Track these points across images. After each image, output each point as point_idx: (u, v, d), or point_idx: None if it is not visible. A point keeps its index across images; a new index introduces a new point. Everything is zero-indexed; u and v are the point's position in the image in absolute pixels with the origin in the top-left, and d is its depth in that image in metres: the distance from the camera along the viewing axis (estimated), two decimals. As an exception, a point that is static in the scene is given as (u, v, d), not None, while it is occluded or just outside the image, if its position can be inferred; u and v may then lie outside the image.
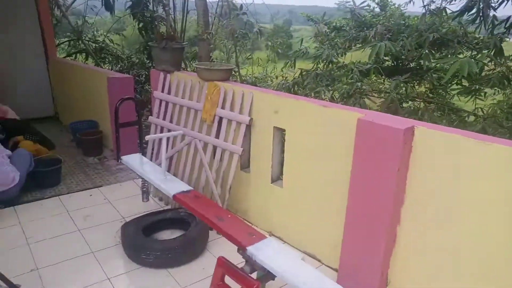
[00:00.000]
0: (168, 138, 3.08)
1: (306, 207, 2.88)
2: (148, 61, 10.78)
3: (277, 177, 3.17)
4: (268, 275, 1.92)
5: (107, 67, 10.64)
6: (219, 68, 3.43)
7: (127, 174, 4.30)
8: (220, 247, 2.96)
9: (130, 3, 10.44)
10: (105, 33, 11.97)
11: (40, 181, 3.89)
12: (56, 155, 4.24)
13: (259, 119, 3.06)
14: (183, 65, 4.91)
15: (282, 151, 3.05)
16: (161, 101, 3.76)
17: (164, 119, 3.73)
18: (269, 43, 7.82)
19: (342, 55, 5.09)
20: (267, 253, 1.94)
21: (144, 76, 10.51)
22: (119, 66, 10.76)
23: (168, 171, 3.08)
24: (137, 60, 11.23)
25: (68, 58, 10.55)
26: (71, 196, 3.72)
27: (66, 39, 11.00)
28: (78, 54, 10.77)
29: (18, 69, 5.97)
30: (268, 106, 2.96)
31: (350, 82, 4.42)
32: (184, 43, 3.91)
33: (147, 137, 2.80)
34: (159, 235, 3.08)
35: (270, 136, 3.01)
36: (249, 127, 3.12)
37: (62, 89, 6.03)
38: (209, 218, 2.27)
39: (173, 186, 2.76)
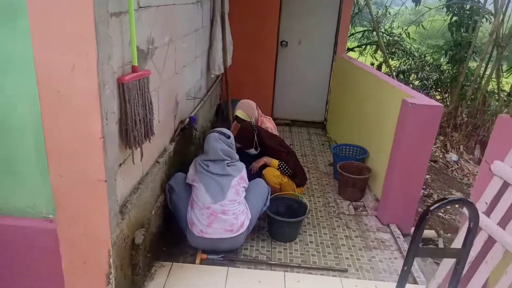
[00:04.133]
0: None
1: None
2: (450, 65, 8.54)
3: None
4: None
5: (394, 64, 9.13)
6: None
7: (390, 254, 2.67)
8: None
9: (448, -8, 8.29)
10: (403, 26, 10.48)
11: (272, 229, 2.81)
12: (303, 197, 3.05)
13: None
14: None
15: None
16: (505, 183, 1.82)
17: (502, 224, 1.80)
18: None
19: None
20: None
21: (432, 81, 8.48)
22: (407, 65, 9.07)
23: None
24: (431, 60, 9.20)
25: (356, 49, 9.68)
26: (300, 276, 2.44)
27: (361, 28, 10.15)
28: (368, 46, 9.75)
29: (304, 63, 5.21)
30: None
31: None
32: None
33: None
34: None
35: None
36: None
37: (338, 93, 4.89)
38: None
39: None
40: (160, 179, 2.55)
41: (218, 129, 2.75)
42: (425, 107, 2.75)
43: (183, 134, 3.09)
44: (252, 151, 3.10)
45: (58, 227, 1.76)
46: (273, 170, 3.04)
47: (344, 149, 3.92)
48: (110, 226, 1.75)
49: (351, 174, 3.54)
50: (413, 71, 9.24)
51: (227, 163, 2.55)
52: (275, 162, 3.06)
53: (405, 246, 2.84)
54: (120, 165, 1.88)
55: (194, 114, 3.26)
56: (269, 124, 3.43)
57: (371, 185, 3.61)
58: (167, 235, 2.67)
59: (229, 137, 2.69)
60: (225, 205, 2.43)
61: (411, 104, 2.75)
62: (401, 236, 2.97)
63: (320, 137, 5.02)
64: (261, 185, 2.76)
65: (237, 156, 2.68)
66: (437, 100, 8.52)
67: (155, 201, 2.47)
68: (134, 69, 1.83)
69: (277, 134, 3.48)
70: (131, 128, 1.82)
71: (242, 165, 2.66)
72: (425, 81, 8.82)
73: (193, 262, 2.48)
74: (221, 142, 2.61)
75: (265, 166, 3.09)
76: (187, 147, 3.29)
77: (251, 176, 2.86)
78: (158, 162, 2.49)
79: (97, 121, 1.56)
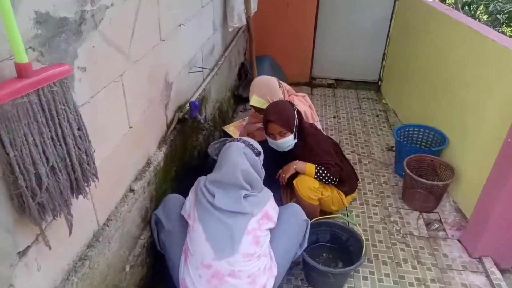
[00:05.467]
0: None
1: None
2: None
3: None
4: None
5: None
6: None
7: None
8: None
9: None
10: None
11: (310, 275, 1.92)
12: (356, 222, 2.07)
13: None
14: None
15: None
16: None
17: None
18: None
19: None
20: None
21: (505, 13, 6.73)
22: None
23: None
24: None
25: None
26: None
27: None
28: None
29: (355, 4, 3.91)
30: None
31: None
32: None
33: None
34: None
35: None
36: None
37: (401, 45, 3.64)
38: None
39: None
40: (139, 211, 1.67)
41: (245, 138, 1.77)
42: None
43: (182, 126, 2.14)
44: (289, 139, 2.07)
45: None
46: (308, 181, 2.06)
47: (411, 133, 2.84)
48: None
49: (423, 172, 2.53)
50: (482, 2, 7.45)
51: (244, 194, 1.61)
52: (311, 168, 2.07)
53: (511, 303, 1.88)
54: (27, 250, 1.00)
55: (196, 99, 2.27)
56: (303, 107, 2.36)
57: (451, 189, 2.57)
58: (157, 282, 1.86)
59: (259, 153, 1.73)
60: (236, 263, 1.53)
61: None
62: (502, 283, 1.99)
63: (374, 104, 3.88)
64: (296, 217, 1.82)
65: (261, 186, 1.72)
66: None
67: (130, 249, 1.62)
68: (21, 71, 0.86)
69: (315, 119, 2.44)
70: (29, 191, 0.90)
71: (267, 195, 1.71)
72: (497, 15, 7.06)
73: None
74: (244, 159, 1.64)
75: (296, 174, 2.12)
76: (190, 140, 2.37)
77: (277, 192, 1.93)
78: (132, 191, 1.60)
79: None
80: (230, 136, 3.08)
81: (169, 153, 1.96)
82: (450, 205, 2.53)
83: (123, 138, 1.48)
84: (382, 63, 4.07)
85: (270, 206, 1.69)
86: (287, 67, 3.99)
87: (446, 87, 2.72)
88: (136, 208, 1.63)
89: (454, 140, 2.58)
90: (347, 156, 2.98)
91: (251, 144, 1.71)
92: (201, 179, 1.71)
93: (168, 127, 2.00)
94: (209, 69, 2.51)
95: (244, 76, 3.63)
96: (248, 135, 2.43)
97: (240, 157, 1.64)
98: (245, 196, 1.62)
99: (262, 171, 1.75)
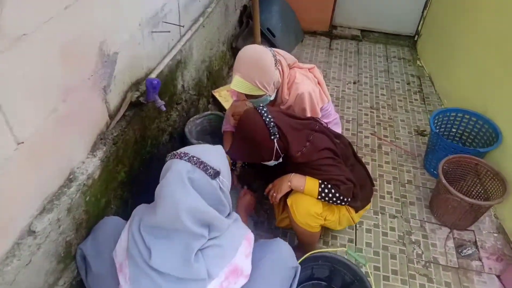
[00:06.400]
0: None
1: None
2: None
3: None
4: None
5: None
6: None
7: None
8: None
9: None
10: None
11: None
12: (365, 262, 1.49)
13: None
14: None
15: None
16: None
17: None
18: None
19: None
20: None
21: None
22: None
23: None
24: None
25: None
26: None
27: None
28: None
29: None
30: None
31: None
32: None
33: None
34: None
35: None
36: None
37: (450, 2, 2.78)
38: None
39: None
40: (51, 253, 1.17)
41: (193, 152, 1.11)
42: None
43: (140, 110, 1.55)
44: (270, 162, 1.53)
45: None
46: (308, 203, 1.48)
47: (452, 120, 2.17)
48: None
49: (462, 176, 1.95)
50: None
51: (200, 247, 1.07)
52: (312, 184, 1.46)
53: None
54: None
55: (165, 67, 1.63)
56: (308, 85, 1.69)
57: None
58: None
59: (216, 174, 1.10)
60: None
61: None
62: None
63: (406, 66, 3.13)
64: (282, 264, 1.28)
65: (225, 223, 1.13)
66: None
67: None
68: None
69: (325, 101, 1.78)
70: None
71: (237, 237, 1.15)
72: None
73: None
74: (191, 191, 1.04)
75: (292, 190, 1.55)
76: (155, 123, 1.78)
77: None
78: (33, 233, 1.08)
79: None
80: (220, 105, 2.48)
81: (111, 154, 1.40)
82: (490, 222, 1.97)
83: (2, 166, 0.93)
84: (422, 12, 3.22)
85: (242, 255, 1.15)
86: (302, 12, 3.21)
87: (510, 57, 1.99)
88: (43, 253, 1.12)
89: (510, 138, 1.92)
90: (364, 140, 2.39)
91: (202, 162, 1.09)
92: (136, 214, 1.16)
93: (112, 117, 1.42)
94: (181, 25, 1.82)
95: (246, 24, 2.90)
96: (233, 116, 1.83)
97: (183, 190, 1.04)
98: (202, 248, 1.08)
99: (226, 197, 1.16)
